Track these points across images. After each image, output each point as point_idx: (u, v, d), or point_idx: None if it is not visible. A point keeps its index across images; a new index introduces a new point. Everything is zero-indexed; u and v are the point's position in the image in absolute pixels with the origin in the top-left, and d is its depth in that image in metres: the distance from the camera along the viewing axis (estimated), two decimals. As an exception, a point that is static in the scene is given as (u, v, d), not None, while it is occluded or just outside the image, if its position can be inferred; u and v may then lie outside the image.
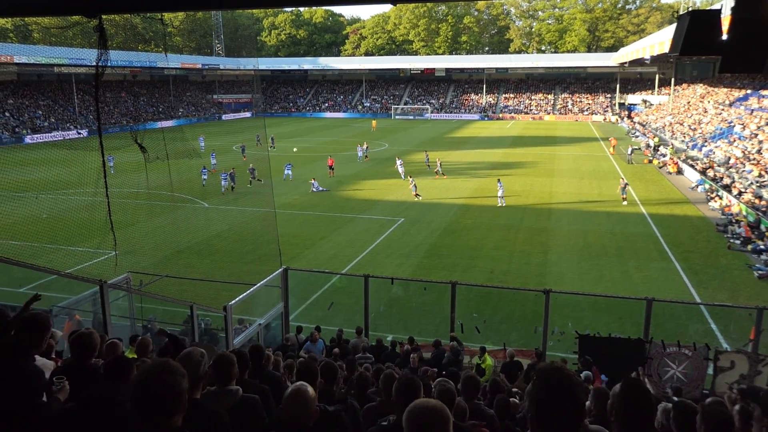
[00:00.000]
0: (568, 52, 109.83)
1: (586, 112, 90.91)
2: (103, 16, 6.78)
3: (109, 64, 7.71)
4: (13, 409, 3.59)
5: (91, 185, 33.13)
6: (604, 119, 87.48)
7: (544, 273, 21.26)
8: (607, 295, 16.30)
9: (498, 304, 17.85)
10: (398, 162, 40.60)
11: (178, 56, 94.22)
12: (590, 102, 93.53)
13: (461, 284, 13.84)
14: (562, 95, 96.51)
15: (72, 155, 41.51)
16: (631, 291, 18.38)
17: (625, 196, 32.22)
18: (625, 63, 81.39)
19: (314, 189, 35.57)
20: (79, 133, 66.75)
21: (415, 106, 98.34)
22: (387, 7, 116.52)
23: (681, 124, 59.70)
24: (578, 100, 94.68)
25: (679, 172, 41.03)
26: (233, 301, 12.37)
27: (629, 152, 47.34)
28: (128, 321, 13.13)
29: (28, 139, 61.31)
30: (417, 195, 33.40)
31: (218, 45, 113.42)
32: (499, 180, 33.15)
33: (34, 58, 66.10)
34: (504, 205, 31.64)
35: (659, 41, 57.68)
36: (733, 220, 27.06)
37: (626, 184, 32.96)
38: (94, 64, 7.80)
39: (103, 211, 9.45)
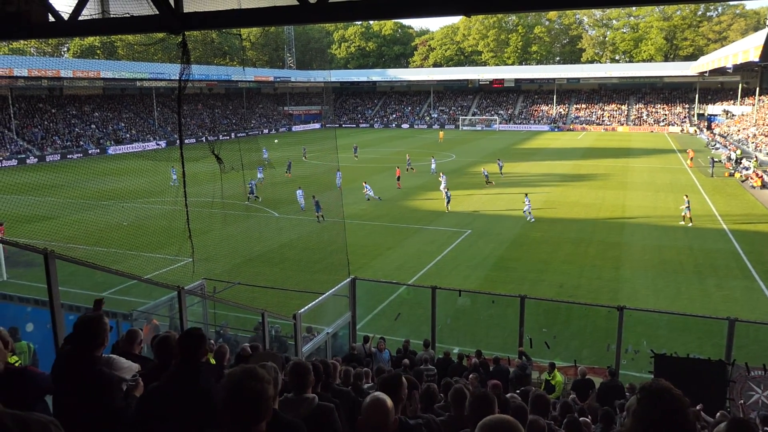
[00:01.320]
0: (643, 61, 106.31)
1: (662, 123, 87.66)
2: (186, 33, 7.10)
3: (190, 78, 8.00)
4: (86, 410, 3.76)
5: (169, 194, 34.80)
6: (682, 130, 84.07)
7: (616, 289, 20.57)
8: (684, 314, 15.57)
9: (568, 319, 17.38)
10: (443, 178, 37.26)
11: (252, 69, 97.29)
12: (666, 113, 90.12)
13: (530, 298, 13.55)
14: (637, 106, 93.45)
15: (152, 166, 43.54)
16: (710, 310, 17.50)
17: (685, 215, 29.51)
18: (705, 72, 78.00)
19: (367, 194, 35.81)
20: (158, 145, 69.86)
21: (483, 117, 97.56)
22: (456, 19, 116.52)
23: (766, 136, 56.62)
24: (654, 110, 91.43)
25: (764, 186, 38.86)
26: (302, 310, 12.57)
27: (711, 165, 45.20)
28: (202, 326, 13.55)
29: (111, 150, 64.61)
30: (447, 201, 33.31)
31: (290, 58, 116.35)
32: (526, 195, 32.08)
33: (119, 73, 69.96)
34: (533, 220, 30.48)
35: (743, 49, 54.98)
36: (825, 238, 25.38)
37: (689, 203, 29.80)
38: (174, 78, 8.18)
39: (180, 220, 9.80)
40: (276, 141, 52.54)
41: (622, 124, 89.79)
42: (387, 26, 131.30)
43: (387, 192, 38.99)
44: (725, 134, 68.24)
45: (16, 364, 5.84)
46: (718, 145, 62.43)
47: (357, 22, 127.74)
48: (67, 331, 4.70)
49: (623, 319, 11.93)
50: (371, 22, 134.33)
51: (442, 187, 35.58)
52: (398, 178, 40.84)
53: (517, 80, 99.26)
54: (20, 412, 2.06)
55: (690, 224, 29.21)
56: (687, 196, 30.66)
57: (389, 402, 3.51)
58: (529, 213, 30.87)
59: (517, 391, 9.70)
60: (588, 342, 15.96)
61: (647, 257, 24.14)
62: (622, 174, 45.94)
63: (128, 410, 3.94)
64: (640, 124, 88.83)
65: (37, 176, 37.65)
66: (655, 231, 28.22)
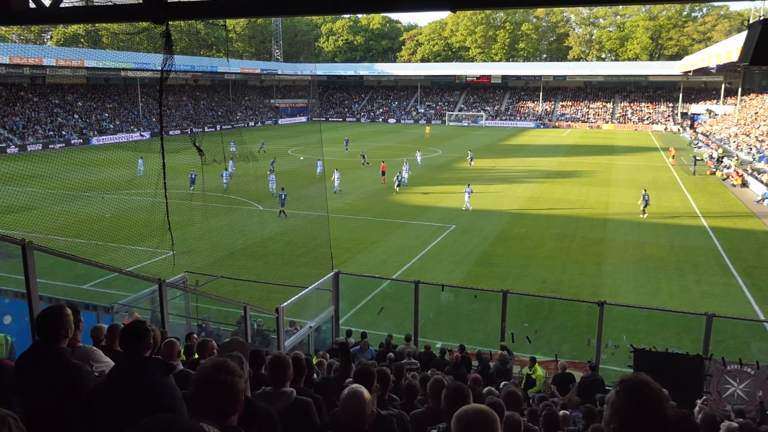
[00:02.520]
0: (629, 60, 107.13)
1: (646, 122, 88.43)
2: (170, 23, 7.03)
3: (173, 69, 7.93)
4: (54, 402, 3.69)
5: (151, 186, 34.48)
6: (666, 129, 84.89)
7: (598, 284, 20.77)
8: (664, 309, 15.81)
9: (550, 314, 17.53)
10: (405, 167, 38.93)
11: (238, 61, 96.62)
12: (651, 111, 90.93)
13: (513, 293, 13.65)
14: (622, 104, 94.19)
15: (135, 157, 43.12)
16: (690, 306, 17.73)
17: (644, 208, 30.70)
18: (689, 72, 78.75)
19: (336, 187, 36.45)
20: (142, 135, 69.18)
21: (470, 113, 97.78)
22: (444, 14, 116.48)
23: (747, 135, 57.36)
24: (638, 109, 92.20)
25: (744, 184, 39.39)
26: (285, 303, 12.56)
27: (693, 163, 45.75)
28: (184, 320, 13.50)
29: (94, 141, 63.90)
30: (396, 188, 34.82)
31: (277, 50, 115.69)
32: (468, 185, 33.17)
33: (103, 62, 69.03)
34: (471, 209, 31.85)
35: (726, 50, 55.58)
36: (803, 236, 25.79)
37: (647, 197, 31.11)
38: (159, 68, 8.07)
39: (162, 212, 9.73)
40: (302, 158, 52.06)
41: (607, 122, 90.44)
42: (375, 20, 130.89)
43: (372, 186, 38.98)
44: (708, 133, 69.03)
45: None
46: (700, 144, 63.15)
47: (345, 16, 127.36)
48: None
49: (604, 315, 12.06)
50: (359, 15, 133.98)
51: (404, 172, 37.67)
52: (383, 173, 40.82)
53: (504, 77, 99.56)
54: None
55: (645, 215, 30.47)
56: (645, 190, 32.04)
57: (366, 393, 3.53)
58: (467, 202, 32.23)
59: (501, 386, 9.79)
60: (569, 337, 16.12)
61: (629, 253, 24.39)
62: (606, 171, 46.33)
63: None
64: (625, 122, 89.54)
65: (18, 166, 37.09)
66: (638, 227, 28.51)
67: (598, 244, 25.82)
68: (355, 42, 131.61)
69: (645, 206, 30.81)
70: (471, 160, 49.01)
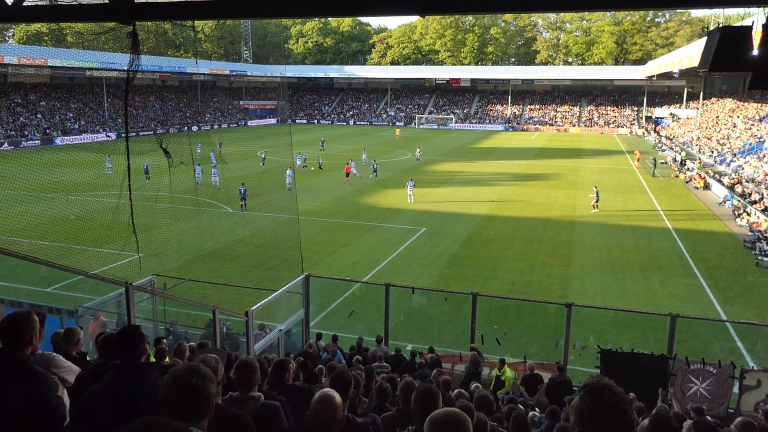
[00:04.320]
0: (595, 64, 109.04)
1: (612, 125, 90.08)
2: (137, 23, 6.93)
3: (140, 69, 7.83)
4: (16, 410, 3.58)
5: (116, 188, 33.89)
6: (631, 132, 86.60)
7: (566, 286, 21.07)
8: (630, 310, 16.12)
9: (519, 316, 17.72)
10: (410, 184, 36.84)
11: (207, 62, 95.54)
12: (616, 115, 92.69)
13: (482, 295, 13.75)
14: (588, 107, 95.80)
15: (100, 158, 42.31)
16: (655, 306, 18.11)
17: (595, 203, 32.92)
18: (653, 76, 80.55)
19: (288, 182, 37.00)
20: (108, 136, 67.93)
21: (440, 115, 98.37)
22: (414, 18, 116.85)
23: (709, 139, 58.86)
24: (604, 112, 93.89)
25: (706, 187, 40.41)
26: (255, 306, 12.44)
27: (653, 165, 46.86)
28: (151, 323, 13.28)
29: (58, 141, 62.52)
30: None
31: (246, 52, 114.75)
32: (411, 178, 36.28)
33: (67, 61, 67.52)
34: (412, 201, 34.41)
35: (688, 55, 57.00)
36: (761, 237, 26.53)
37: (598, 192, 33.49)
38: (125, 68, 7.95)
39: (128, 214, 9.58)
40: (259, 154, 51.85)
41: (574, 125, 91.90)
42: (345, 23, 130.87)
43: (340, 189, 38.91)
44: (671, 136, 70.63)
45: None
46: (664, 147, 64.57)
47: (314, 18, 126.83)
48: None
49: (572, 316, 12.23)
50: (329, 18, 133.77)
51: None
52: (347, 175, 40.74)
53: (473, 80, 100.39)
54: None
55: (596, 210, 32.61)
56: (596, 187, 34.41)
57: (338, 398, 3.52)
58: (411, 196, 34.75)
59: (472, 387, 9.86)
60: (538, 338, 16.32)
61: (596, 255, 24.80)
62: (573, 174, 47.05)
63: (62, 412, 3.78)
64: (591, 126, 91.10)
65: (-23, 167, 36.05)
66: (604, 230, 29.01)
67: (565, 246, 26.20)
68: (325, 44, 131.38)
69: (596, 201, 32.97)
70: (418, 158, 52.82)
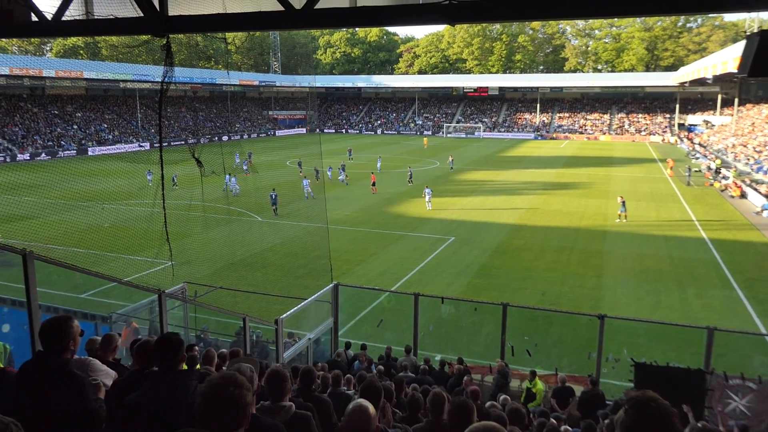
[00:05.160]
0: (625, 71, 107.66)
1: (643, 133, 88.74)
2: (170, 35, 7.06)
3: (173, 81, 7.96)
4: (55, 413, 3.66)
5: (149, 196, 34.49)
6: (663, 140, 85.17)
7: (598, 297, 20.73)
8: (664, 323, 15.73)
9: (550, 327, 17.49)
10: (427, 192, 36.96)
11: (237, 73, 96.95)
12: (648, 122, 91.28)
13: (512, 306, 13.59)
14: (619, 115, 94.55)
15: (133, 167, 43.14)
16: (690, 319, 17.71)
17: (622, 213, 32.16)
18: (686, 82, 79.18)
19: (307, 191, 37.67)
20: (141, 146, 69.27)
21: (467, 124, 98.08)
22: (441, 27, 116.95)
23: (745, 146, 57.54)
24: (635, 120, 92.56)
25: (743, 195, 39.46)
26: (284, 315, 12.50)
27: (687, 173, 45.96)
28: (182, 330, 13.43)
29: (92, 151, 63.94)
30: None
31: (275, 62, 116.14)
32: (427, 187, 36.48)
33: (102, 73, 69.32)
34: (431, 208, 34.52)
35: (722, 60, 55.89)
36: (802, 248, 25.80)
37: (624, 202, 32.58)
38: (158, 80, 8.09)
39: (160, 222, 9.71)
40: (288, 163, 52.78)
41: (605, 133, 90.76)
42: (372, 33, 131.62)
43: (369, 198, 38.95)
44: (705, 144, 69.25)
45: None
46: (698, 155, 63.32)
47: (343, 29, 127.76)
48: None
49: (604, 328, 12.01)
50: (357, 28, 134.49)
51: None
52: (373, 184, 40.79)
53: (501, 88, 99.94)
54: None
55: (625, 220, 31.87)
56: (621, 197, 33.13)
57: (372, 409, 3.50)
58: (429, 203, 35.05)
59: (500, 399, 9.74)
60: (569, 350, 16.05)
61: (628, 266, 24.37)
62: (604, 183, 46.41)
63: (100, 414, 3.85)
64: (622, 134, 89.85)
65: (17, 175, 37.02)
66: (636, 239, 28.51)
67: (597, 256, 25.81)
68: (352, 54, 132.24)
69: (622, 211, 32.17)
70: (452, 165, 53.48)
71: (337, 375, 7.35)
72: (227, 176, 38.36)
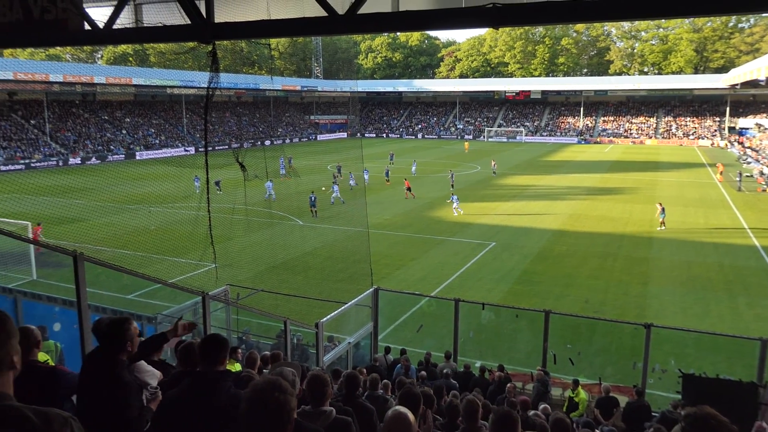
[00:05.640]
0: (672, 73, 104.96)
1: (691, 137, 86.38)
2: (216, 42, 7.19)
3: (218, 87, 8.10)
4: (102, 413, 3.76)
5: (194, 200, 35.23)
6: (712, 144, 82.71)
7: (643, 305, 20.21)
8: (714, 333, 15.22)
9: (593, 335, 17.14)
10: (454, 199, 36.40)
11: (280, 78, 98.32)
12: (696, 126, 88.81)
13: (555, 313, 13.38)
14: (666, 119, 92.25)
15: (179, 171, 44.12)
16: (741, 329, 17.09)
17: (662, 220, 31.21)
18: (737, 84, 76.66)
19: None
20: (186, 151, 70.83)
21: (509, 128, 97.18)
22: (483, 30, 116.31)
23: (800, 151, 55.42)
24: (683, 123, 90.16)
25: (798, 202, 37.97)
26: (325, 319, 12.58)
27: (738, 178, 44.48)
28: (225, 332, 13.62)
29: (139, 156, 65.71)
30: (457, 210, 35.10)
31: (317, 68, 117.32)
32: (453, 194, 36.53)
33: (150, 80, 71.30)
34: (461, 213, 34.41)
35: (776, 62, 53.96)
36: None
37: (663, 209, 31.55)
38: (203, 85, 8.24)
39: (205, 225, 9.87)
40: (329, 167, 53.08)
41: (651, 137, 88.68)
42: (414, 37, 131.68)
43: (408, 203, 38.89)
44: (757, 148, 66.91)
45: (49, 363, 5.93)
46: (749, 159, 61.22)
47: (385, 33, 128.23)
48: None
49: (650, 337, 11.70)
50: (398, 33, 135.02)
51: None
52: (408, 189, 40.46)
53: (543, 92, 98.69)
54: (41, 407, 2.10)
55: (663, 227, 30.95)
56: (660, 204, 32.08)
57: (411, 416, 3.47)
58: (457, 209, 34.81)
59: (540, 408, 9.58)
60: (613, 359, 15.70)
61: (675, 273, 23.71)
62: (650, 188, 45.30)
63: (141, 421, 3.92)
64: (669, 138, 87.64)
65: (69, 179, 38.36)
66: (684, 246, 27.71)
67: (642, 263, 25.19)
68: (393, 59, 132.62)
69: (662, 218, 31.29)
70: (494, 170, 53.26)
71: (375, 378, 7.34)
72: (269, 183, 38.79)
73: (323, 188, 40.20)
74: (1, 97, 62.68)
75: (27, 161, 54.77)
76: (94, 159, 60.65)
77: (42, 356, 5.71)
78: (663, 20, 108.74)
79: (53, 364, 6.21)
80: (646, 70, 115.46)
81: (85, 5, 6.74)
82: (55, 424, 2.05)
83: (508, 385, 10.45)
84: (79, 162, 58.84)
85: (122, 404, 3.83)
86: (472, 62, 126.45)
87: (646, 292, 21.65)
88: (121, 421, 3.80)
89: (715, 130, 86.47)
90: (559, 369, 12.82)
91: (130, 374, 4.26)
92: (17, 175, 45.96)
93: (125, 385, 3.88)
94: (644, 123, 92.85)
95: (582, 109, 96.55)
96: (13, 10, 6.68)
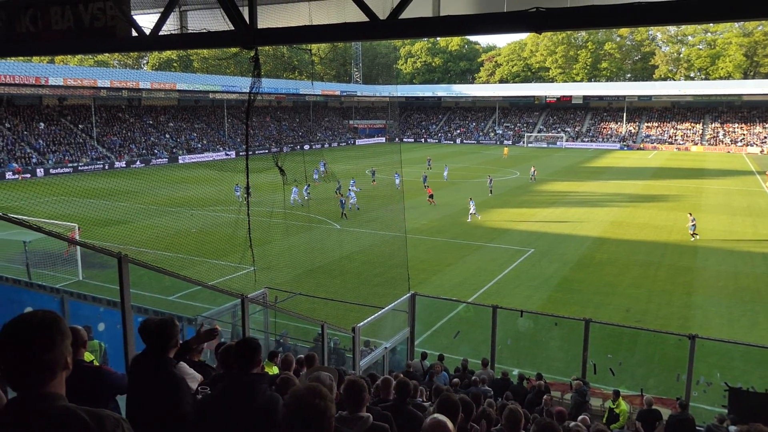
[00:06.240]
0: (720, 78, 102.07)
1: (739, 144, 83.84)
2: (258, 47, 7.29)
3: (260, 92, 8.20)
4: (157, 410, 3.84)
5: (235, 203, 35.77)
6: (762, 151, 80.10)
7: (687, 316, 19.66)
8: (763, 346, 14.70)
9: (634, 346, 16.73)
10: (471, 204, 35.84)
11: (319, 83, 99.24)
12: (745, 132, 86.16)
13: (595, 322, 13.12)
14: (713, 125, 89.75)
15: (220, 175, 44.85)
16: (791, 343, 16.46)
17: (692, 232, 30.17)
18: (789, 90, 74.19)
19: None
20: (228, 155, 72.04)
21: (549, 134, 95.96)
22: (524, 35, 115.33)
23: None
24: (731, 130, 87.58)
25: None
26: (362, 323, 12.59)
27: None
28: (263, 335, 13.77)
29: (182, 159, 67.10)
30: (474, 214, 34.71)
31: (356, 73, 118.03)
32: (471, 199, 35.51)
33: (193, 85, 72.90)
34: (478, 217, 34.17)
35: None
36: None
37: (694, 220, 30.60)
38: (245, 90, 8.35)
39: (244, 229, 9.98)
40: (367, 171, 53.07)
41: (697, 144, 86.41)
42: (453, 42, 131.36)
43: (446, 208, 38.72)
44: (810, 157, 64.54)
45: (94, 363, 6.09)
46: (801, 168, 59.12)
47: (426, 39, 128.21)
48: (136, 333, 4.85)
49: (695, 349, 11.37)
50: (438, 38, 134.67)
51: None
52: (431, 196, 39.87)
53: (585, 97, 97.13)
54: (94, 408, 2.16)
55: (697, 237, 29.89)
56: (691, 214, 31.23)
57: (450, 424, 3.43)
58: (473, 213, 34.47)
59: (579, 418, 9.39)
60: (655, 371, 15.31)
61: (721, 284, 23.00)
62: (696, 195, 44.11)
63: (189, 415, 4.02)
64: (716, 144, 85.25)
65: (114, 182, 39.41)
66: (731, 256, 26.87)
67: (687, 272, 24.52)
68: (433, 64, 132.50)
69: (693, 230, 30.26)
70: (534, 177, 52.17)
71: (414, 385, 7.30)
72: (306, 187, 39.02)
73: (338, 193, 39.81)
74: (52, 103, 64.84)
75: (75, 164, 56.51)
76: (138, 162, 62.20)
77: (87, 356, 5.87)
78: (711, 24, 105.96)
79: (98, 364, 6.38)
80: (692, 75, 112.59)
81: (133, 12, 6.92)
82: (108, 426, 2.10)
83: (545, 397, 10.26)
84: (124, 165, 60.42)
85: (177, 401, 3.94)
86: (512, 67, 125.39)
87: (691, 302, 21.06)
88: (177, 417, 3.89)
89: (765, 137, 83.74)
90: (599, 379, 12.57)
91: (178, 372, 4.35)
92: (65, 178, 47.47)
93: (179, 381, 3.99)
94: (690, 129, 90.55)
95: (625, 114, 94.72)
96: (65, 18, 6.90)
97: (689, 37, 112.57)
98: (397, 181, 45.00)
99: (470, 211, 34.75)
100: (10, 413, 2.10)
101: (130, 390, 4.07)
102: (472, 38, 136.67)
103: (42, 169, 53.32)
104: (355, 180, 42.70)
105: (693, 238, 29.91)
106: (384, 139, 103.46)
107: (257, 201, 33.93)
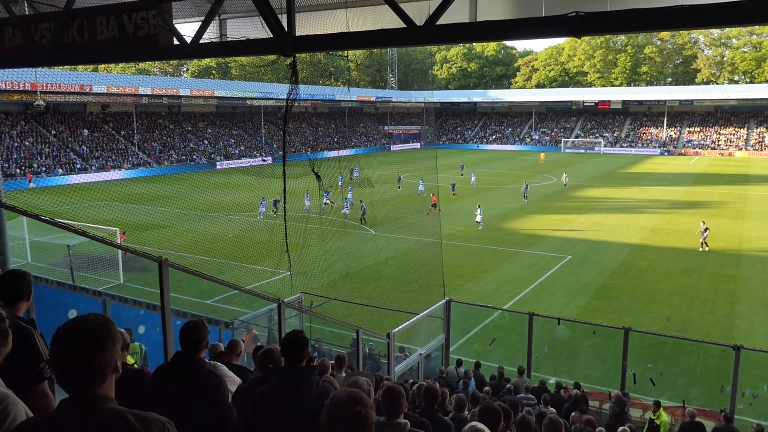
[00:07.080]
0: (766, 82, 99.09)
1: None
2: (296, 55, 7.37)
3: (297, 98, 8.28)
4: (195, 411, 3.91)
5: (271, 209, 36.03)
6: (810, 157, 77.45)
7: (730, 326, 19.10)
8: (812, 359, 14.22)
9: (676, 356, 16.32)
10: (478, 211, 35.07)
11: (355, 89, 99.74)
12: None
13: (635, 331, 12.83)
14: (758, 129, 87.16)
15: (257, 181, 45.44)
16: (842, 356, 15.83)
17: (702, 241, 28.85)
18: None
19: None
20: (264, 161, 72.91)
21: (587, 139, 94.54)
22: (561, 39, 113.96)
23: None
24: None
25: None
26: (397, 329, 12.59)
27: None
28: (298, 339, 13.86)
29: (219, 165, 68.22)
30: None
31: (392, 79, 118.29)
32: (479, 206, 34.73)
33: (231, 92, 74.13)
34: (479, 228, 33.28)
35: None
36: None
37: (706, 229, 29.03)
38: (282, 97, 8.47)
39: (280, 234, 10.07)
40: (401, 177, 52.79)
41: (741, 149, 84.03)
42: (489, 47, 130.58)
43: (470, 216, 38.43)
44: None
45: (134, 365, 6.22)
46: None
47: (462, 44, 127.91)
48: (175, 336, 4.94)
49: (740, 360, 11.03)
50: (474, 43, 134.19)
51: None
52: (434, 205, 38.03)
53: (624, 102, 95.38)
54: (140, 411, 2.22)
55: (707, 248, 28.57)
56: (704, 222, 29.89)
57: (487, 432, 3.40)
58: (479, 222, 33.67)
59: (619, 430, 9.20)
60: (698, 382, 14.91)
61: (767, 293, 22.29)
62: (740, 202, 42.87)
63: (232, 412, 4.08)
64: (761, 150, 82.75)
65: (154, 187, 40.28)
66: (777, 265, 26.04)
67: (730, 281, 23.83)
68: (469, 69, 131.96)
69: (704, 239, 28.92)
70: (566, 183, 51.25)
71: (443, 393, 7.25)
72: (326, 194, 38.53)
73: (330, 203, 39.06)
74: (96, 110, 66.68)
75: (117, 170, 57.95)
76: (176, 168, 63.48)
77: (129, 359, 6.00)
78: (757, 26, 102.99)
79: (138, 367, 6.51)
80: (736, 78, 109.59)
81: (174, 21, 7.08)
82: (154, 429, 2.16)
83: (572, 414, 10.05)
84: (174, 171, 61.74)
85: (217, 397, 4.03)
86: (549, 72, 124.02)
87: (735, 311, 20.46)
88: (217, 415, 3.97)
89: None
90: (639, 389, 12.29)
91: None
92: (108, 183, 48.72)
93: (217, 379, 4.10)
94: (734, 134, 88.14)
95: (665, 119, 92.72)
96: (110, 27, 7.10)
97: (733, 40, 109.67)
98: (421, 188, 44.84)
99: (476, 219, 34.04)
100: (61, 415, 2.18)
101: (164, 395, 4.07)
102: (509, 43, 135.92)
103: (83, 175, 54.80)
104: (329, 192, 39.50)
105: (702, 249, 28.62)
106: (419, 144, 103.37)
107: (292, 206, 34.21)
